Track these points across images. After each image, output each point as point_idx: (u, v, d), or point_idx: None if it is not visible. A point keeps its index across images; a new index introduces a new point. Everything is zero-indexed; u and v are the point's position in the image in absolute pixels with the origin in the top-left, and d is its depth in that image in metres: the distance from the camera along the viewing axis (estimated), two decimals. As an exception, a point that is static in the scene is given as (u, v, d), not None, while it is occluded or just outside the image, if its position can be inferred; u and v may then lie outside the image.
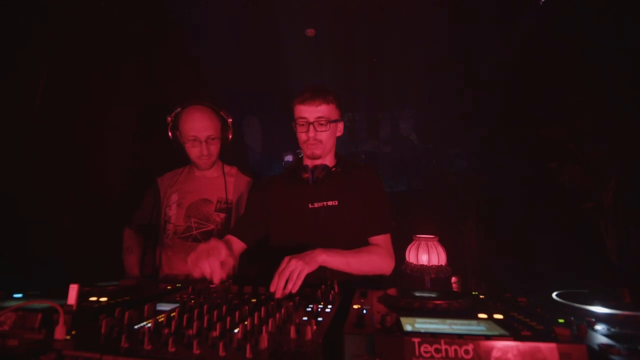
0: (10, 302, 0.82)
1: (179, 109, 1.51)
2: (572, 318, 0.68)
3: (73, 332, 0.64)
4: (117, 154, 2.86)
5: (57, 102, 2.40)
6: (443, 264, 2.59)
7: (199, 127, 1.47)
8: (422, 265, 2.57)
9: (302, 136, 1.32)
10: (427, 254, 2.59)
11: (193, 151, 1.51)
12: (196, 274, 0.90)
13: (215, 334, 0.60)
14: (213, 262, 0.88)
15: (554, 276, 2.86)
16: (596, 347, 0.54)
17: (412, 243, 2.73)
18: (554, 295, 0.85)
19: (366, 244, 1.30)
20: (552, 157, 2.84)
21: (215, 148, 1.55)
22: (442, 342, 0.52)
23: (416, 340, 0.52)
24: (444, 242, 2.69)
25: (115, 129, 2.86)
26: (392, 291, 0.84)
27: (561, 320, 0.67)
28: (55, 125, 2.39)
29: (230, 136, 1.59)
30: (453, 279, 2.56)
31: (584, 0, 2.51)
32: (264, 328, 0.60)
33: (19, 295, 0.91)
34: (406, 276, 2.61)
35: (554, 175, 2.83)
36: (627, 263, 2.33)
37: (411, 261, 2.64)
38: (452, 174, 3.84)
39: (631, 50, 2.24)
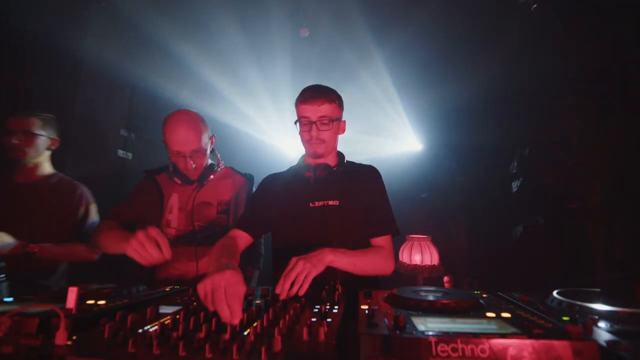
0: (2, 306, 0.78)
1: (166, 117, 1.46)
2: (577, 316, 0.70)
3: (74, 337, 0.61)
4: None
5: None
6: (436, 263, 2.62)
7: (181, 142, 1.42)
8: (415, 265, 2.59)
9: (304, 135, 1.31)
10: (420, 254, 2.62)
11: (179, 164, 1.47)
12: (210, 308, 0.75)
13: (226, 337, 0.58)
14: (233, 304, 0.70)
15: (542, 275, 2.93)
16: (604, 344, 0.56)
17: (405, 243, 2.76)
18: (554, 293, 0.87)
19: (367, 244, 1.30)
20: (540, 158, 2.91)
21: (201, 161, 1.49)
22: (459, 341, 0.52)
23: (433, 339, 0.52)
24: (436, 242, 2.73)
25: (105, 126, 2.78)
26: (397, 291, 0.83)
27: (566, 318, 0.68)
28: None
29: (213, 140, 1.57)
30: (445, 279, 2.59)
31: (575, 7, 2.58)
32: (276, 330, 0.59)
33: (10, 299, 0.86)
34: (400, 276, 2.63)
35: (542, 176, 2.90)
36: (612, 262, 2.41)
37: (404, 261, 2.66)
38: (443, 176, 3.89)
39: (622, 53, 2.32)
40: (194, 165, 1.46)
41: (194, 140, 1.43)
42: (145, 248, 1.02)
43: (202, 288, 0.77)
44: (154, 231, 1.05)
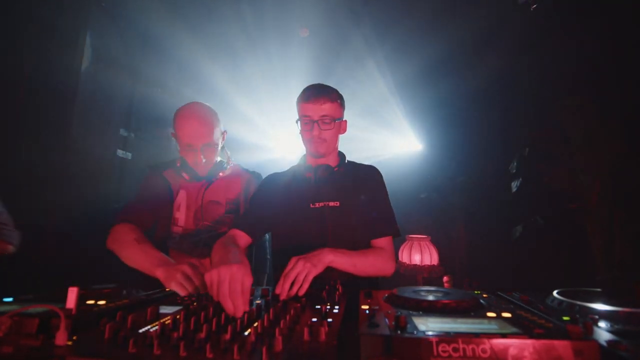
0: (2, 306, 0.78)
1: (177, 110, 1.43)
2: (578, 316, 0.70)
3: (74, 338, 0.61)
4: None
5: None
6: (435, 263, 2.62)
7: (193, 135, 1.39)
8: (415, 265, 2.60)
9: (306, 134, 1.31)
10: (419, 254, 2.62)
11: (189, 158, 1.44)
12: (215, 298, 0.78)
13: (227, 337, 0.58)
14: (236, 298, 0.72)
15: (542, 275, 2.93)
16: (604, 344, 0.56)
17: (405, 243, 2.76)
18: (554, 293, 0.87)
19: (367, 245, 1.30)
20: (539, 158, 2.91)
21: (211, 155, 1.46)
22: (460, 341, 0.52)
23: (434, 339, 0.52)
24: (436, 242, 2.73)
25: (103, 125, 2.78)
26: (398, 291, 0.83)
27: (566, 318, 0.68)
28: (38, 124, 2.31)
29: (224, 136, 1.54)
30: (445, 278, 2.59)
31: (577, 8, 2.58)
32: (277, 330, 0.58)
33: (9, 299, 0.86)
34: (399, 276, 2.63)
35: (542, 176, 2.90)
36: (611, 262, 2.41)
37: (404, 261, 2.66)
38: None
39: (622, 53, 2.32)
40: (204, 160, 1.42)
41: (206, 134, 1.40)
42: (192, 282, 1.02)
43: (209, 278, 0.79)
44: (197, 262, 1.09)
